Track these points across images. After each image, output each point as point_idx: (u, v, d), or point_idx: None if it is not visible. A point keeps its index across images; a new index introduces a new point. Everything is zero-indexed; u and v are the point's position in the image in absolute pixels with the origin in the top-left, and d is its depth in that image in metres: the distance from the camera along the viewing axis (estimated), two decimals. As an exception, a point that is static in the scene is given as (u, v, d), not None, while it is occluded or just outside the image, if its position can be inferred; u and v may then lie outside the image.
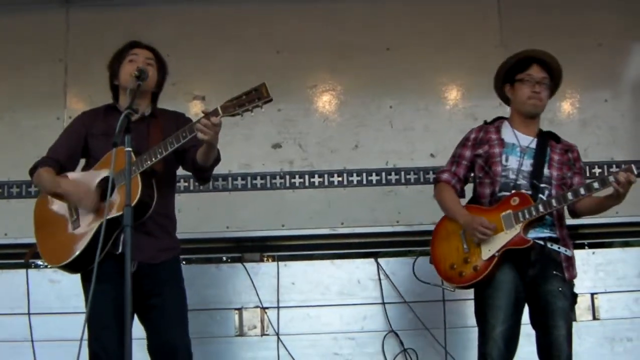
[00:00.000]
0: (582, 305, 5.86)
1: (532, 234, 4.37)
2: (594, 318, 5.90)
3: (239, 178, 6.08)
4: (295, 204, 6.12)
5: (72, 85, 6.24)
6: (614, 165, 6.14)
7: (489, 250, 4.35)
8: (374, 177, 6.12)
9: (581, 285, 5.84)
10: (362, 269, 6.01)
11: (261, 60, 6.18)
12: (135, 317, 4.14)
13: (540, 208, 4.28)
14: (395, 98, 6.24)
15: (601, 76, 6.41)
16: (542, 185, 4.44)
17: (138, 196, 3.87)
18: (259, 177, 6.10)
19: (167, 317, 4.18)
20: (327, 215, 6.09)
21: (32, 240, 4.40)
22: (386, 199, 6.10)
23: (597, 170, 6.15)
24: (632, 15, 6.44)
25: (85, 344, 3.93)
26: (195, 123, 3.90)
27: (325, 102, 6.26)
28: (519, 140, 4.58)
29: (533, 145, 4.55)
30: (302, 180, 6.12)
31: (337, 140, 6.20)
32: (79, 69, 6.22)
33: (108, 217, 3.86)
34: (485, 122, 4.82)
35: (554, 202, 4.27)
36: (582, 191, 4.20)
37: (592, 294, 5.94)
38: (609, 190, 4.25)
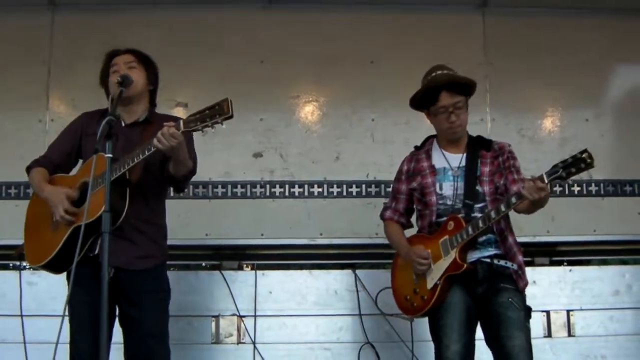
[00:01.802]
0: (557, 322, 5.92)
1: (477, 254, 4.36)
2: (570, 335, 5.94)
3: (220, 186, 6.09)
4: (275, 213, 6.13)
5: (55, 88, 6.23)
6: (593, 184, 6.19)
7: (432, 279, 4.37)
8: (354, 189, 6.15)
9: (557, 302, 5.96)
10: (340, 280, 6.03)
11: (245, 69, 6.22)
12: (117, 321, 4.20)
13: (470, 230, 4.24)
14: (377, 111, 6.28)
15: (583, 95, 6.45)
16: (478, 204, 4.40)
17: (100, 211, 3.73)
18: (239, 186, 6.10)
19: (146, 330, 4.17)
20: (306, 226, 6.11)
21: (8, 242, 4.40)
22: (365, 211, 6.09)
23: (576, 188, 6.20)
24: (616, 35, 6.51)
25: (60, 347, 3.92)
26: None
27: (308, 112, 6.28)
28: (449, 162, 4.55)
29: (464, 163, 4.51)
30: (282, 190, 6.13)
31: (318, 151, 6.23)
32: (63, 72, 6.22)
33: (74, 226, 4.00)
34: (416, 147, 4.81)
35: (480, 223, 4.22)
36: (502, 208, 4.14)
37: (568, 311, 5.98)
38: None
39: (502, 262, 4.38)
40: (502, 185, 4.45)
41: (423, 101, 4.59)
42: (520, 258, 4.43)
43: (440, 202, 4.48)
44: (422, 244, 4.48)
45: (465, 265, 4.29)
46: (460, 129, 4.54)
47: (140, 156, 3.96)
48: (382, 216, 4.87)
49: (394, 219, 4.77)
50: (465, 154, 4.55)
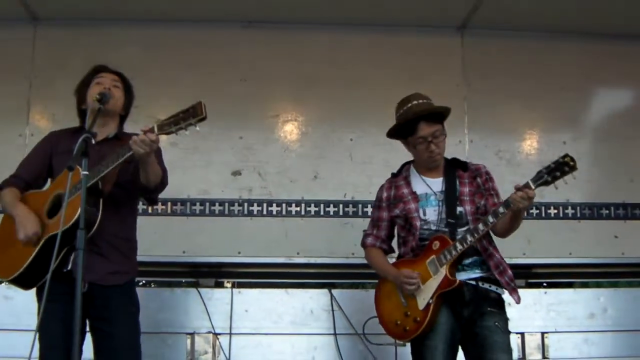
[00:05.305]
0: (532, 344, 5.93)
1: (464, 276, 4.36)
2: (544, 357, 5.95)
3: (197, 203, 6.09)
4: (253, 231, 6.12)
5: (35, 103, 6.23)
6: (569, 207, 6.23)
7: (423, 300, 4.34)
8: (331, 209, 6.17)
9: (532, 324, 5.97)
10: (316, 299, 6.02)
11: (225, 87, 6.24)
12: (88, 336, 4.16)
13: (458, 246, 4.26)
14: (356, 131, 6.31)
15: (561, 118, 6.49)
16: (461, 227, 4.41)
17: (75, 216, 3.78)
18: (217, 204, 6.11)
19: (119, 344, 4.14)
20: (283, 245, 6.11)
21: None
22: (343, 231, 6.12)
23: (552, 211, 6.23)
24: (594, 59, 6.58)
25: (33, 362, 3.92)
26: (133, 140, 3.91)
27: (287, 131, 6.30)
28: (430, 187, 4.56)
29: (444, 187, 4.53)
30: (260, 208, 6.14)
31: (297, 170, 6.24)
32: (44, 87, 6.21)
33: (47, 236, 4.00)
34: (393, 175, 4.82)
35: (468, 237, 4.25)
36: (490, 219, 4.20)
37: (543, 333, 5.99)
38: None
39: (486, 285, 4.39)
40: (483, 206, 4.47)
41: (401, 132, 4.63)
42: (510, 272, 4.41)
43: (425, 227, 4.48)
44: (408, 267, 4.45)
45: (457, 281, 4.29)
46: (439, 157, 4.57)
47: (114, 162, 3.95)
48: (363, 244, 4.85)
49: (376, 245, 4.75)
50: (443, 178, 4.58)
